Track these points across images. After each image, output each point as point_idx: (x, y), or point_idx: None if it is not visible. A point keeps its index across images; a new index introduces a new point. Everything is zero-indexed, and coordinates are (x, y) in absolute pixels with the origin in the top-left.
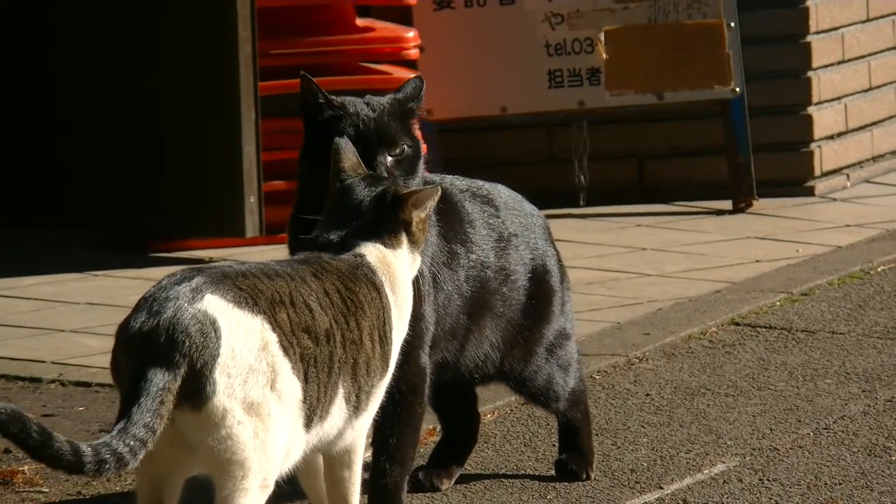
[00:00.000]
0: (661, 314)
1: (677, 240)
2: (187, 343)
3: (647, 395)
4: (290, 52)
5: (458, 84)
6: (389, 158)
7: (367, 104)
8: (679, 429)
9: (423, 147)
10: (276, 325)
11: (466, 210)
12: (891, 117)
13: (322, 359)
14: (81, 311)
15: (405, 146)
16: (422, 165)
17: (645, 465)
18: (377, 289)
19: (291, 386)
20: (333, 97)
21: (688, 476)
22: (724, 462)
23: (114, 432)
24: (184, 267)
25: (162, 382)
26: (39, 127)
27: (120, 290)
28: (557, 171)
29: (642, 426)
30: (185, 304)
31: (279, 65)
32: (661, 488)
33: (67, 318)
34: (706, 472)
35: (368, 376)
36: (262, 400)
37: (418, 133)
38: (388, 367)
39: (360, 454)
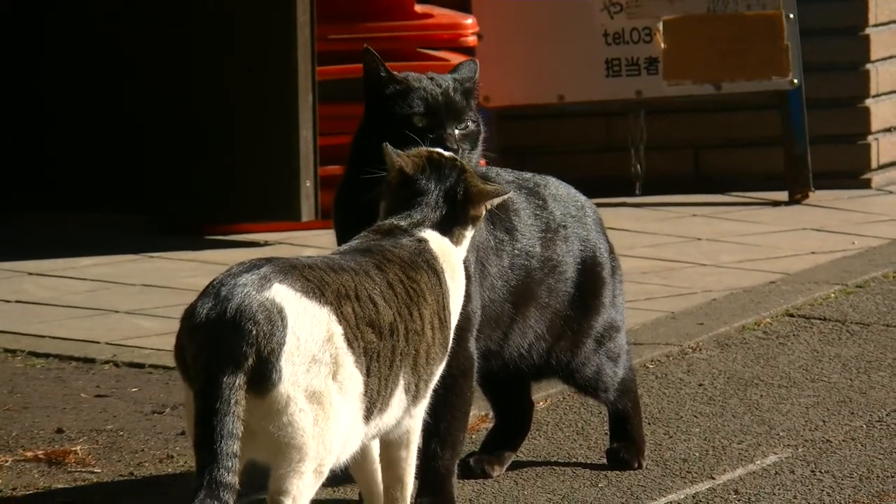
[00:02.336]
0: (715, 304)
1: (733, 230)
2: (255, 332)
3: (701, 385)
4: (348, 38)
5: (516, 71)
6: (457, 131)
7: (432, 79)
8: (732, 419)
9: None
10: (341, 318)
11: (512, 200)
12: None
13: (385, 353)
14: (137, 293)
15: (469, 121)
16: (482, 142)
17: (697, 455)
18: (437, 275)
19: (353, 379)
20: (397, 73)
21: (740, 467)
22: (776, 453)
23: (206, 479)
24: (253, 257)
25: (233, 387)
26: (105, 113)
27: (175, 272)
28: (614, 159)
29: (695, 416)
30: (253, 292)
31: (337, 50)
32: (713, 478)
33: (122, 299)
34: (758, 463)
35: (428, 364)
36: (325, 389)
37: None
38: (446, 352)
39: (418, 434)
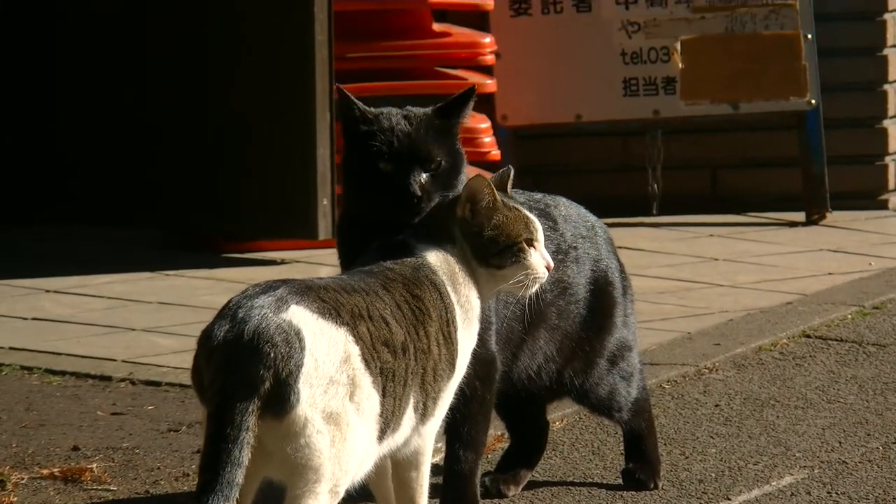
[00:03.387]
0: (731, 325)
1: (750, 250)
2: (272, 354)
3: (717, 405)
4: (366, 56)
5: (534, 90)
6: (424, 175)
7: (406, 117)
8: (748, 440)
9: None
10: (358, 338)
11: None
12: None
13: (399, 372)
14: (153, 311)
15: (442, 160)
16: (462, 177)
17: (713, 475)
18: (437, 288)
19: (370, 399)
20: (370, 109)
21: (756, 488)
22: (792, 474)
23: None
24: (268, 278)
25: (246, 412)
26: (123, 129)
27: (192, 290)
28: (631, 179)
29: (711, 437)
30: (271, 314)
31: (355, 68)
32: (729, 499)
33: (139, 316)
34: (774, 484)
35: (436, 382)
36: (342, 410)
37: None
38: (454, 368)
39: (429, 456)
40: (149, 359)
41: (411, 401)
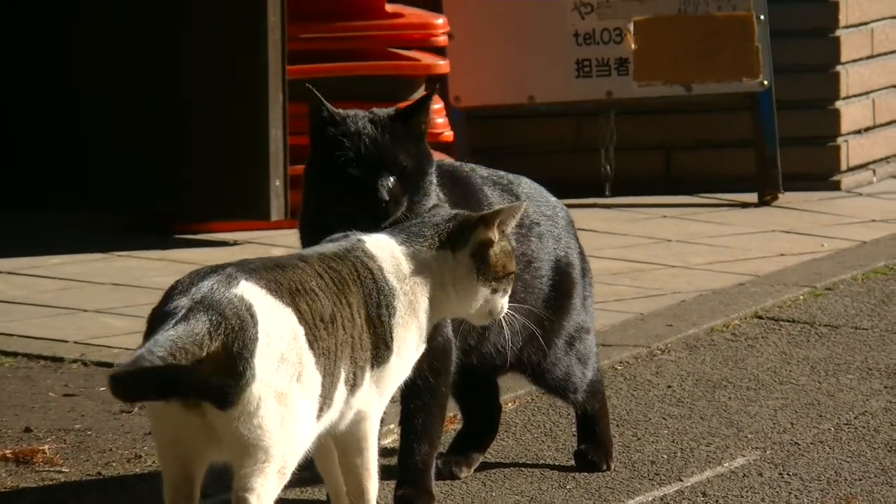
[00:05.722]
0: (684, 306)
1: (702, 232)
2: (223, 325)
3: (669, 386)
4: (318, 37)
5: (486, 72)
6: (391, 179)
7: (372, 121)
8: (700, 421)
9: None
10: (301, 317)
11: (486, 194)
12: None
13: (332, 348)
14: (105, 292)
15: (406, 162)
16: (430, 179)
17: (665, 457)
18: (370, 271)
19: (314, 380)
20: (339, 112)
21: (708, 469)
22: (744, 455)
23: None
24: (217, 260)
25: (201, 328)
26: (63, 108)
27: (144, 271)
28: (584, 160)
29: (663, 418)
30: (221, 288)
31: (308, 49)
32: (681, 480)
33: (91, 298)
34: (726, 465)
35: (363, 351)
36: (290, 390)
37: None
38: (390, 351)
39: (372, 441)
40: (101, 340)
41: (342, 374)
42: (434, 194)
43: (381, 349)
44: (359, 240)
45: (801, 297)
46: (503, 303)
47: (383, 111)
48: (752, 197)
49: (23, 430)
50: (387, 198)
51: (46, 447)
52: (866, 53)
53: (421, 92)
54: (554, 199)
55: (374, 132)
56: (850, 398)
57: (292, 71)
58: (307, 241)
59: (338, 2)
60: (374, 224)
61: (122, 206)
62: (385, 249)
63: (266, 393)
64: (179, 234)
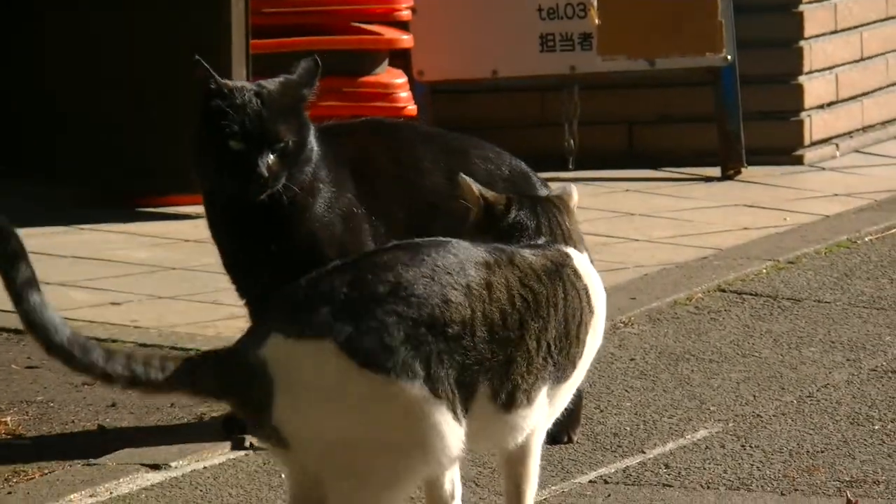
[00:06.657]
0: (647, 279)
1: (665, 205)
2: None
3: (632, 359)
4: (282, 11)
5: (450, 46)
6: (272, 156)
7: (258, 94)
8: (663, 394)
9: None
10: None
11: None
12: (882, 88)
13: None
14: (68, 265)
15: (289, 141)
16: (310, 153)
17: (628, 429)
18: (577, 291)
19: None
20: (227, 83)
21: (670, 441)
22: (706, 428)
23: None
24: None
25: None
26: (28, 83)
27: (106, 244)
28: (548, 134)
29: (626, 391)
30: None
31: (271, 23)
32: (644, 452)
33: (54, 270)
34: (689, 437)
35: (530, 374)
36: None
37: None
38: (574, 369)
39: (536, 452)
40: (64, 312)
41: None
42: (315, 159)
43: (568, 369)
44: (566, 254)
45: (764, 271)
46: None
47: (271, 82)
48: (716, 171)
49: None
50: (265, 174)
51: (9, 419)
52: (830, 29)
53: (385, 67)
54: (525, 164)
55: (258, 106)
56: (813, 371)
57: (255, 45)
58: (207, 215)
59: None
60: (253, 197)
61: (81, 181)
62: (586, 266)
63: None
64: (141, 208)
